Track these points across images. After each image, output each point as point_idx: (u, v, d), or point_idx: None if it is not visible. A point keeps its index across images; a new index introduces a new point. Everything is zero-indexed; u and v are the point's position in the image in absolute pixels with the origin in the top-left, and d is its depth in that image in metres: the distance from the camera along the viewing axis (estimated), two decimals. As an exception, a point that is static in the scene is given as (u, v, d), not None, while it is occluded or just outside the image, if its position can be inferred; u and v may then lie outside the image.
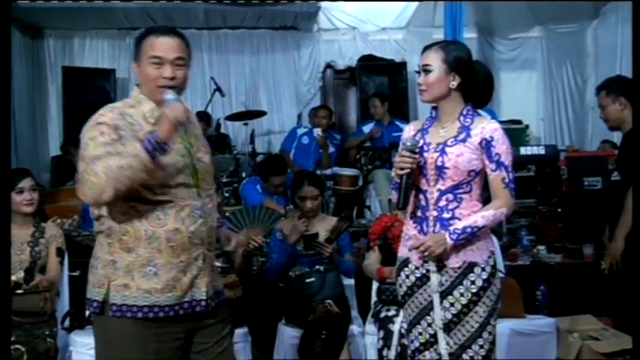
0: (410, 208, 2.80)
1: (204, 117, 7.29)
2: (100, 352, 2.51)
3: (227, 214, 4.31)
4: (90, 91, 8.03)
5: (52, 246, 3.88)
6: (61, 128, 8.19)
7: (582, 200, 5.53)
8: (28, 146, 8.00)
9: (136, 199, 2.38)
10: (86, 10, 7.70)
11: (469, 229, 2.63)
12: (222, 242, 2.80)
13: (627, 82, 4.10)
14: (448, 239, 2.62)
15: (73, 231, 4.91)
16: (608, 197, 4.26)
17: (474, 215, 2.64)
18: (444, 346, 2.72)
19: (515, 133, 7.53)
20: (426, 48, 2.77)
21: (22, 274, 3.72)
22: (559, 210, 5.83)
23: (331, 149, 7.24)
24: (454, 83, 2.70)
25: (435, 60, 2.70)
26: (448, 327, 2.71)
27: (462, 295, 2.68)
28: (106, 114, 2.41)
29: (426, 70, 2.72)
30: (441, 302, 2.71)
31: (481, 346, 2.68)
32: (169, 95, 2.41)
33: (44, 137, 8.41)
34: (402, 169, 2.67)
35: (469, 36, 8.10)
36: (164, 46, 2.45)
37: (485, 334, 2.68)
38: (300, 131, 7.45)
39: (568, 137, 8.56)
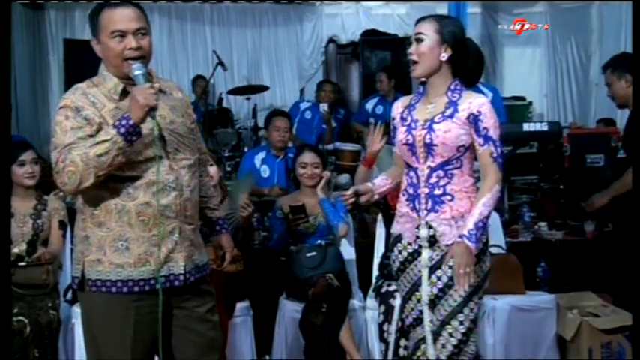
0: (402, 186, 2.80)
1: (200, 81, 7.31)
2: (85, 327, 2.53)
3: (228, 188, 4.30)
4: (91, 64, 7.80)
5: (54, 219, 3.88)
6: (62, 101, 8.16)
7: (584, 177, 5.51)
8: (29, 119, 7.99)
9: (106, 178, 2.36)
10: (87, -18, 7.66)
11: (481, 224, 2.57)
12: (216, 248, 2.81)
13: (632, 59, 4.07)
14: (469, 243, 2.54)
15: (75, 204, 4.89)
16: (612, 175, 4.25)
17: (475, 208, 2.59)
18: (427, 322, 2.71)
19: (518, 109, 7.53)
20: (421, 19, 2.74)
21: (24, 246, 3.72)
22: (561, 187, 5.82)
23: (333, 124, 7.21)
24: (445, 55, 2.66)
25: (429, 30, 2.67)
26: (433, 303, 2.69)
27: (449, 267, 2.63)
28: (68, 97, 2.40)
29: (418, 39, 2.68)
30: (429, 277, 2.69)
31: (461, 322, 2.64)
32: (137, 71, 2.36)
33: (45, 110, 8.39)
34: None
35: (473, 11, 8.06)
36: (125, 18, 2.39)
37: (466, 310, 2.64)
38: (303, 105, 7.41)
39: (571, 114, 8.53)
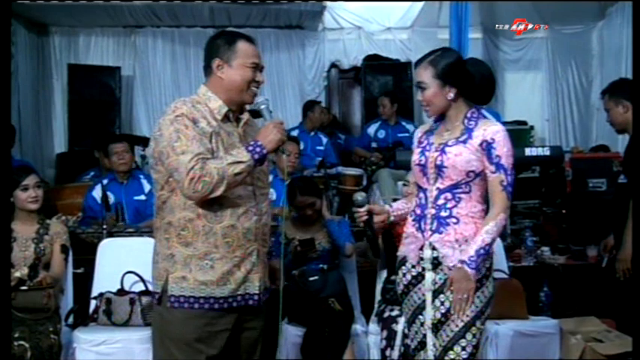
0: (411, 207, 2.82)
1: None
2: (156, 339, 2.67)
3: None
4: (95, 88, 8.07)
5: (56, 243, 3.88)
6: (66, 125, 8.21)
7: (586, 201, 5.53)
8: (33, 143, 8.02)
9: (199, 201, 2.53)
10: (91, 8, 7.71)
11: (482, 251, 2.60)
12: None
13: (629, 84, 4.10)
14: (468, 270, 2.58)
15: (77, 228, 4.91)
16: (614, 200, 4.25)
17: (479, 235, 2.62)
18: (431, 347, 2.70)
19: (520, 134, 7.55)
20: (417, 63, 2.78)
21: (26, 270, 3.72)
22: (563, 211, 5.82)
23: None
24: (451, 94, 2.70)
25: (427, 77, 2.71)
26: (436, 327, 2.69)
27: (452, 292, 2.63)
28: (181, 107, 2.57)
29: (421, 87, 2.74)
30: (433, 301, 2.69)
31: (463, 348, 2.63)
32: (263, 105, 2.67)
33: (49, 134, 8.43)
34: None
35: (474, 36, 8.10)
36: (259, 55, 2.68)
37: (469, 336, 2.64)
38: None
39: (573, 138, 8.55)
